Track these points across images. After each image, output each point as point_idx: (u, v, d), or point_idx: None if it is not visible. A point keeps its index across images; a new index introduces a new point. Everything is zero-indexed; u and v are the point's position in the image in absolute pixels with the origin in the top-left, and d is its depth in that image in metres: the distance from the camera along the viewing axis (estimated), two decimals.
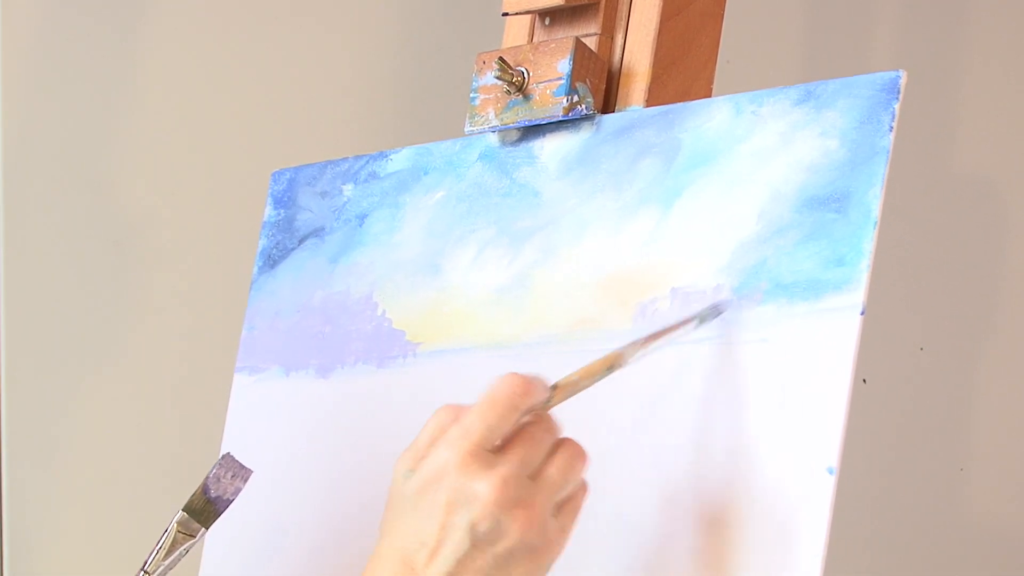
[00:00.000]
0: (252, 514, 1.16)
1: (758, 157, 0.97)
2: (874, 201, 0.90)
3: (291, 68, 1.66)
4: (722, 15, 1.11)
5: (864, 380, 1.72)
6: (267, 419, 1.20)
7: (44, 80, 1.59)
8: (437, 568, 0.83)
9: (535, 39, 1.13)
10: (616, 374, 0.91)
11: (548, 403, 0.87)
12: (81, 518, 1.60)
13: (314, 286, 1.20)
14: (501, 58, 1.08)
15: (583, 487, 0.87)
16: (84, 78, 1.59)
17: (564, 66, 1.07)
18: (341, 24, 1.68)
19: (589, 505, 0.88)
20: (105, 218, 1.60)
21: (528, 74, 1.09)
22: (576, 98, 1.07)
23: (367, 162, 1.20)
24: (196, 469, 1.06)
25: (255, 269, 1.25)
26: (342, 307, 1.17)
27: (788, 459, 0.89)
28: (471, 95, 1.11)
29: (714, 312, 0.95)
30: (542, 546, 0.83)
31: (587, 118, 1.07)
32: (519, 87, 1.09)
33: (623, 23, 1.09)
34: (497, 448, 0.84)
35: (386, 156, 1.19)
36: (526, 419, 0.85)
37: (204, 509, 0.99)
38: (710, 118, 1.00)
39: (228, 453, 1.01)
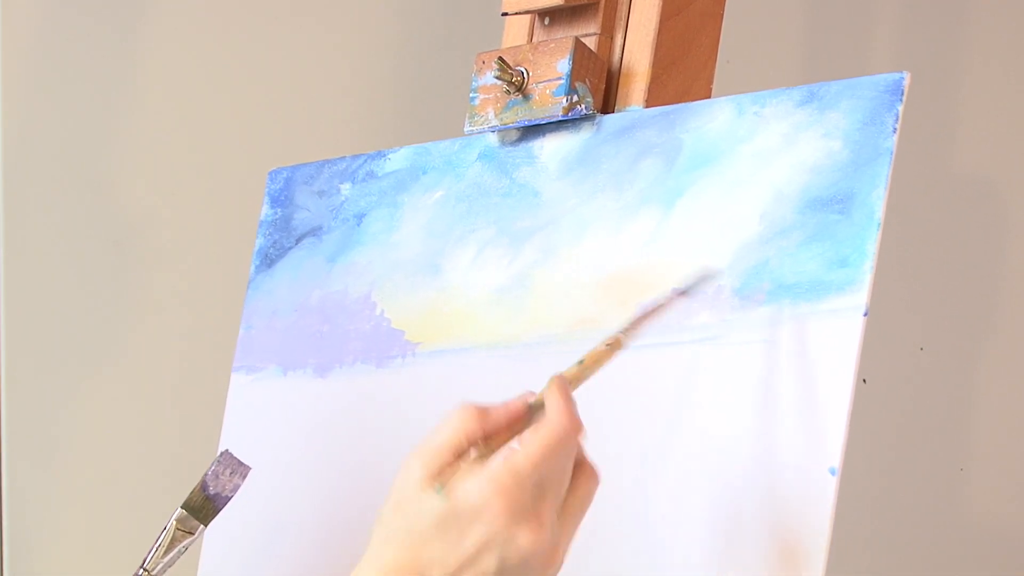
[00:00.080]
0: (250, 513, 1.16)
1: (760, 158, 0.96)
2: (877, 202, 0.90)
3: (290, 67, 1.65)
4: (722, 15, 1.11)
5: (864, 380, 1.72)
6: (265, 418, 1.20)
7: (44, 80, 1.59)
8: None
9: (535, 39, 1.13)
10: (618, 375, 0.91)
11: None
12: (81, 517, 1.60)
13: (312, 285, 1.19)
14: (501, 58, 1.08)
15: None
16: (84, 78, 1.59)
17: (564, 66, 1.06)
18: (340, 24, 1.67)
19: (590, 505, 0.88)
20: (105, 218, 1.60)
21: (528, 74, 1.08)
22: (576, 98, 1.06)
23: (365, 161, 1.20)
24: (195, 468, 1.06)
25: (252, 268, 1.25)
26: (340, 306, 1.17)
27: (790, 460, 0.89)
28: (470, 95, 1.11)
29: (703, 279, 0.95)
30: (552, 569, 0.84)
31: (587, 118, 1.07)
32: (519, 87, 1.09)
33: (623, 23, 1.09)
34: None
35: (384, 155, 1.19)
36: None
37: (203, 506, 0.99)
38: (712, 119, 1.00)
39: (226, 450, 1.00)
